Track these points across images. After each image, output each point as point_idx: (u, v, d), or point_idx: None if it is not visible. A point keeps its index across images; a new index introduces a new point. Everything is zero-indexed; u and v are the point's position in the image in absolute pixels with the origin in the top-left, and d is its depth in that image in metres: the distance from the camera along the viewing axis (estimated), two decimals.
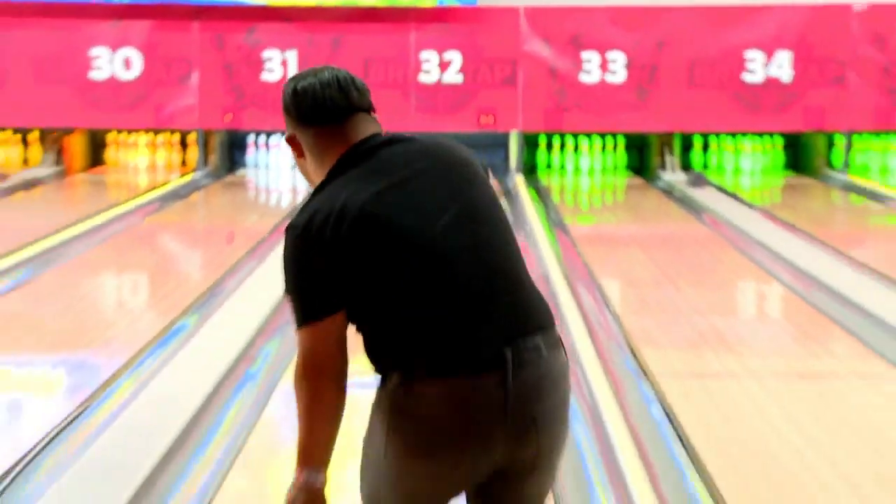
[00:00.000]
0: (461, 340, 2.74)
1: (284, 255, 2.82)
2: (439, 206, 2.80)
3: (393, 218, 2.76)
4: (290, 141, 2.92)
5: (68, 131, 15.94)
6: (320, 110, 2.86)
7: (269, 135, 15.91)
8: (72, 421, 5.80)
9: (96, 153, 16.38)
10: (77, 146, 16.14)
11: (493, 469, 2.79)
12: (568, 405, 2.88)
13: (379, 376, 2.81)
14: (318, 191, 2.85)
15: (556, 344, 2.84)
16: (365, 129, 2.89)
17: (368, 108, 2.92)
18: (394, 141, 2.90)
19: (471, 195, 2.88)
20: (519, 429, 2.76)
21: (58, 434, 5.61)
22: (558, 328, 2.89)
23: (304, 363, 2.79)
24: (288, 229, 2.81)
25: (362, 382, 3.05)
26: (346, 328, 2.80)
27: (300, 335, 2.80)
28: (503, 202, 12.47)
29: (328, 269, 2.75)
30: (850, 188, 14.99)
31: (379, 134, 2.90)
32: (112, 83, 15.36)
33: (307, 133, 2.89)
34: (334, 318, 2.77)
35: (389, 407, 2.78)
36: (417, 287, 2.75)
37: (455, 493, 2.87)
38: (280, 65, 15.31)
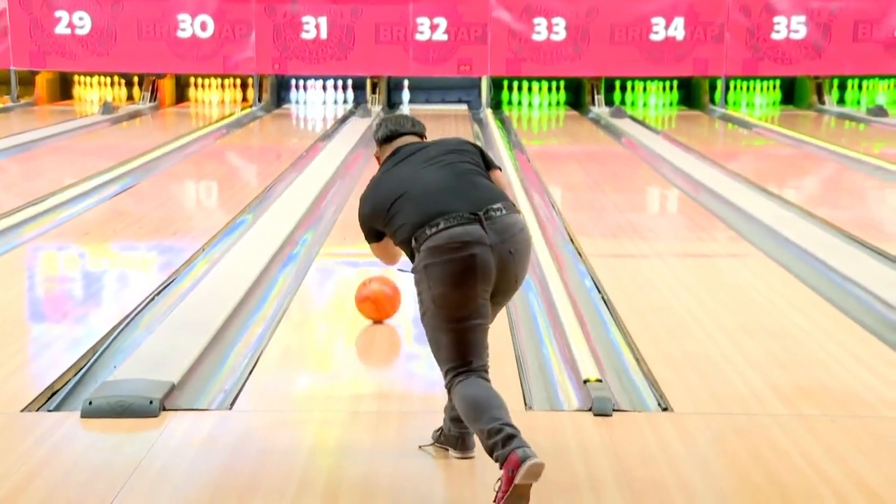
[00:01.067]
0: (451, 213, 3.15)
1: (359, 213, 3.44)
2: (433, 162, 3.34)
3: (401, 179, 3.32)
4: (377, 156, 3.53)
5: (161, 76, 15.81)
6: (386, 136, 3.49)
7: (306, 79, 15.88)
8: (162, 289, 5.75)
9: (181, 92, 16.32)
10: (167, 87, 16.04)
11: (491, 285, 3.16)
12: (531, 246, 3.28)
13: (413, 266, 3.22)
14: (378, 173, 3.46)
15: (515, 208, 3.26)
16: (404, 142, 3.47)
17: (418, 133, 3.51)
18: (415, 143, 3.46)
19: (452, 154, 3.37)
20: (503, 257, 3.14)
21: (152, 298, 5.57)
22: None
23: (376, 256, 3.55)
24: (361, 200, 3.43)
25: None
26: (391, 244, 3.41)
27: (371, 247, 3.52)
28: (477, 129, 12.29)
29: (373, 222, 3.38)
30: (727, 118, 14.94)
31: (412, 143, 3.46)
32: (193, 40, 15.28)
33: (380, 148, 3.52)
34: (381, 241, 3.45)
35: (423, 269, 3.14)
36: (421, 200, 3.21)
37: (477, 307, 3.16)
38: (314, 27, 15.19)
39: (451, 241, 3.11)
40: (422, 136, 3.52)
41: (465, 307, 3.12)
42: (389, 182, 3.34)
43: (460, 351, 3.16)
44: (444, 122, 13.51)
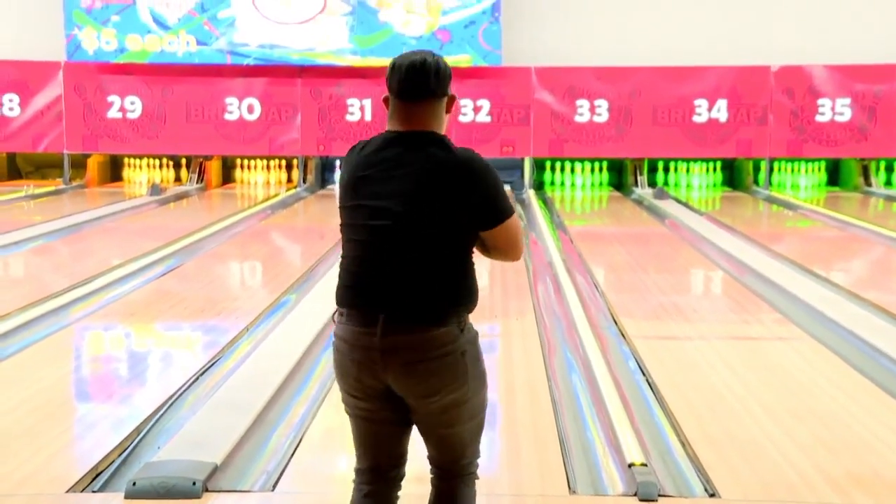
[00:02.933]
0: (359, 304, 2.84)
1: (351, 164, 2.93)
2: (396, 202, 2.77)
3: (365, 193, 2.82)
4: (385, 101, 2.87)
5: (208, 158, 16.04)
6: (400, 90, 2.82)
7: None
8: (206, 369, 5.78)
9: (227, 173, 16.56)
10: (214, 168, 16.27)
11: (388, 389, 2.83)
12: (444, 369, 2.78)
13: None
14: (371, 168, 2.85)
15: (433, 322, 2.76)
16: (416, 120, 2.84)
17: (441, 93, 2.84)
18: (411, 144, 2.83)
19: (426, 203, 2.78)
20: (394, 371, 2.79)
21: (196, 379, 5.59)
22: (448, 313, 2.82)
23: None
24: (352, 163, 2.90)
25: None
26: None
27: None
28: (520, 209, 12.25)
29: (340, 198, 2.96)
30: (771, 200, 14.89)
31: (416, 131, 2.84)
32: (240, 122, 15.56)
33: (392, 100, 2.86)
34: None
35: (333, 341, 2.95)
36: (354, 250, 2.91)
37: (371, 405, 2.87)
38: (359, 109, 15.44)
39: (347, 336, 2.85)
40: (443, 94, 2.87)
41: (355, 394, 2.87)
42: (365, 198, 2.83)
43: (362, 447, 2.94)
44: None
